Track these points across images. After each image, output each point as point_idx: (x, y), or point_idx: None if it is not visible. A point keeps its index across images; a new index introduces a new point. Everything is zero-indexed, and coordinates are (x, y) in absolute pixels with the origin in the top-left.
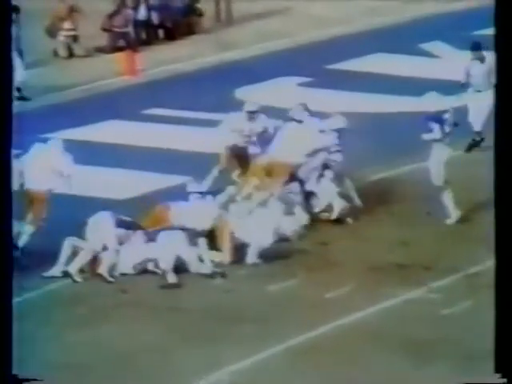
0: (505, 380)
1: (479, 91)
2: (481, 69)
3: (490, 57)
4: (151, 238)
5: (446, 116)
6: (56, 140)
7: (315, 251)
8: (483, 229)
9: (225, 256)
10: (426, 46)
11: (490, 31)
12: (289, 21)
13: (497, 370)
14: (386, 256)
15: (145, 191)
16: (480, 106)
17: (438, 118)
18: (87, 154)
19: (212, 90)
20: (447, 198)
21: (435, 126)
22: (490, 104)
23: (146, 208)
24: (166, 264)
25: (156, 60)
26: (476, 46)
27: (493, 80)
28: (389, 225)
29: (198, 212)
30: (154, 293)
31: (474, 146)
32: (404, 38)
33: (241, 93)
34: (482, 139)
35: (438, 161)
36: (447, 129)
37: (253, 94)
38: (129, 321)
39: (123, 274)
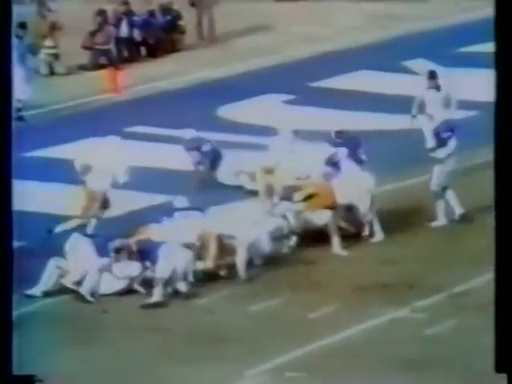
0: (505, 380)
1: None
2: (436, 97)
3: (445, 85)
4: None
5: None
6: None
7: (299, 271)
8: (468, 248)
9: (209, 262)
10: (410, 64)
11: (472, 48)
12: (272, 38)
13: (497, 370)
14: (371, 275)
15: (128, 210)
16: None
17: (450, 129)
18: (69, 172)
19: (195, 107)
20: (441, 206)
21: (451, 141)
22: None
23: (129, 227)
24: (161, 275)
25: (138, 77)
26: (432, 75)
27: (448, 108)
28: (373, 244)
29: (183, 227)
30: (135, 313)
31: None
32: (388, 55)
33: (224, 111)
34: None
35: (443, 171)
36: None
37: (236, 112)
38: (110, 341)
39: (104, 295)
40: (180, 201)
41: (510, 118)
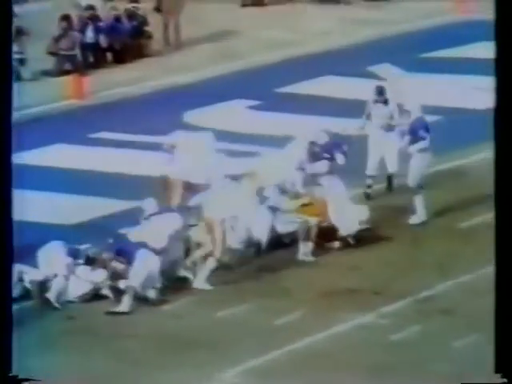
0: (505, 380)
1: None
2: (383, 111)
3: (392, 100)
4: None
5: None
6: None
7: (265, 277)
8: (434, 253)
9: (216, 251)
10: (375, 69)
11: (436, 53)
12: (239, 43)
13: (497, 370)
14: (337, 281)
15: (93, 216)
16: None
17: (427, 126)
18: (34, 178)
19: (161, 113)
20: (419, 201)
21: (426, 135)
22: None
23: (97, 233)
24: (134, 283)
25: (104, 83)
26: (380, 91)
27: (394, 123)
28: (339, 249)
29: (154, 232)
30: (102, 319)
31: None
32: (353, 60)
33: (190, 116)
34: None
35: (420, 166)
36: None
37: (203, 118)
38: (76, 347)
39: (70, 302)
40: (149, 204)
41: (509, 121)
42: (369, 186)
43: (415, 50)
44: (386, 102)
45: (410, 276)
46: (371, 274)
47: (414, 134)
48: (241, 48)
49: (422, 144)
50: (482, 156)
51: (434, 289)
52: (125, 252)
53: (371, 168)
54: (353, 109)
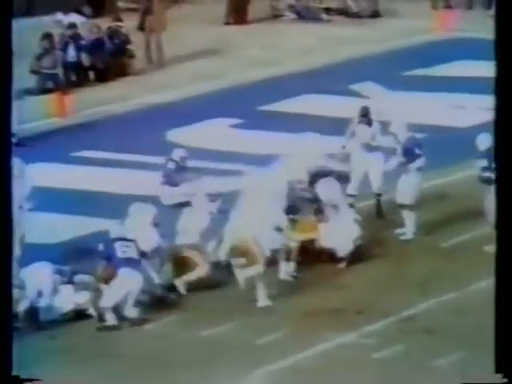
0: (505, 380)
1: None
2: (367, 132)
3: (375, 120)
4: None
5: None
6: None
7: (248, 296)
8: (416, 272)
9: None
10: (357, 87)
11: (419, 72)
12: (221, 62)
13: (497, 371)
14: (320, 301)
15: (75, 235)
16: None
17: (420, 144)
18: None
19: (144, 131)
20: (409, 218)
21: (421, 153)
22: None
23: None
24: (108, 303)
25: (86, 102)
26: (364, 111)
27: (375, 143)
28: (322, 269)
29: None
30: (83, 339)
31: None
32: (336, 79)
33: (173, 135)
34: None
35: (417, 183)
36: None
37: (185, 136)
38: (59, 368)
39: (53, 321)
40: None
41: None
42: (351, 206)
43: (397, 68)
44: (369, 123)
45: (393, 295)
46: (354, 293)
47: (410, 152)
48: (223, 66)
49: (419, 162)
50: (466, 174)
51: (416, 308)
52: (110, 263)
53: (353, 187)
54: (336, 127)
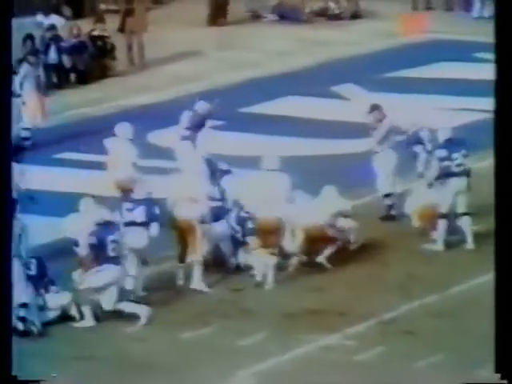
0: (505, 381)
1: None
2: (381, 129)
3: (388, 118)
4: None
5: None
6: None
7: (228, 298)
8: (397, 275)
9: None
10: (338, 89)
11: (400, 73)
12: (202, 64)
13: (497, 371)
14: (300, 302)
15: (59, 237)
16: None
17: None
18: None
19: None
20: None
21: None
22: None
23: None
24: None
25: (68, 103)
26: (374, 108)
27: (386, 143)
28: (302, 271)
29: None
30: (62, 341)
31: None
32: (317, 80)
33: (154, 137)
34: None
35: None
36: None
37: (165, 138)
38: (36, 370)
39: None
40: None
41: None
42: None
43: (378, 70)
44: (382, 119)
45: (374, 297)
46: (335, 295)
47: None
48: (204, 68)
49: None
50: None
51: (398, 310)
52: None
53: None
54: (317, 129)
